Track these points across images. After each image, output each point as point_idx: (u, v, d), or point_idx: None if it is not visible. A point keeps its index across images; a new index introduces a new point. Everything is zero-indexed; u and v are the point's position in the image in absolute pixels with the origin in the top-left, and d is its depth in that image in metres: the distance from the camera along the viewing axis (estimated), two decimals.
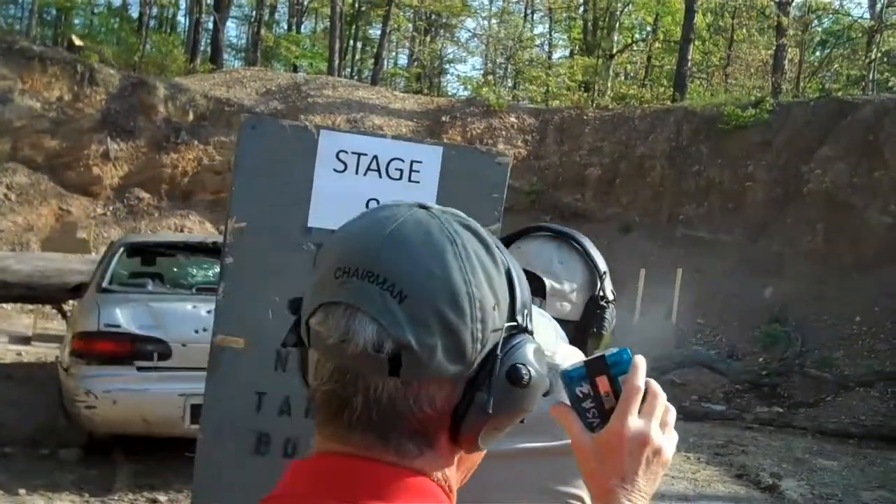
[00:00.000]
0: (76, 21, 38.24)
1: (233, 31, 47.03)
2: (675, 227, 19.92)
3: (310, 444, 1.10)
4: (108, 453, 7.08)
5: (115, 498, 6.16)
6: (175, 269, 9.50)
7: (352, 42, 41.67)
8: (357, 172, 3.55)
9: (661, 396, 1.16)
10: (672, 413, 1.18)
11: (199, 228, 19.24)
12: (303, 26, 43.61)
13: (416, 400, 0.94)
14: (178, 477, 6.46)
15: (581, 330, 1.94)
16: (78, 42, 25.82)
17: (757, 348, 15.51)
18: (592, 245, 2.01)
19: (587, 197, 21.70)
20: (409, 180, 3.59)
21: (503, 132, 22.55)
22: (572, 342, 1.85)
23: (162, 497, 6.22)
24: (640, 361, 1.16)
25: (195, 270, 9.57)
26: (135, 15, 38.50)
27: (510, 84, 36.80)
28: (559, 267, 1.93)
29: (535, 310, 1.73)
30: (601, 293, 1.97)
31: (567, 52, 37.81)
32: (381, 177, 3.57)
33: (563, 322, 1.87)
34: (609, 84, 31.26)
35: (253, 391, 3.47)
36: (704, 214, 19.74)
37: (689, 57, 26.92)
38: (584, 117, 23.04)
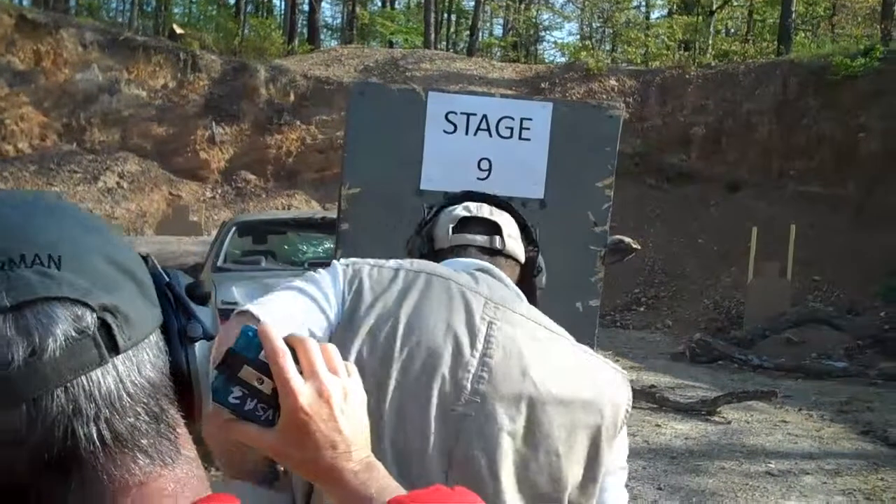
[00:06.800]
0: (175, 10, 39.25)
1: (328, 10, 47.49)
2: (785, 183, 19.43)
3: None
4: None
5: None
6: (286, 246, 9.64)
7: (446, 15, 41.63)
8: (467, 133, 3.52)
9: (308, 341, 0.99)
10: (331, 348, 1.02)
11: (305, 207, 19.47)
12: (396, 2, 43.76)
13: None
14: None
15: (531, 273, 1.89)
16: (179, 30, 26.40)
17: (878, 303, 15.05)
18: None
19: (693, 157, 21.32)
20: (520, 138, 3.55)
21: (604, 95, 22.26)
22: (520, 283, 1.82)
23: None
24: (266, 326, 0.98)
25: (305, 246, 9.68)
26: (232, 1, 39.18)
27: (608, 47, 36.34)
28: (498, 216, 1.88)
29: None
30: (531, 226, 1.93)
31: (665, 12, 37.17)
32: (491, 136, 3.54)
33: (518, 265, 1.87)
34: (710, 41, 30.60)
35: None
36: (816, 169, 19.20)
37: (794, 8, 26.17)
38: (686, 76, 22.62)
